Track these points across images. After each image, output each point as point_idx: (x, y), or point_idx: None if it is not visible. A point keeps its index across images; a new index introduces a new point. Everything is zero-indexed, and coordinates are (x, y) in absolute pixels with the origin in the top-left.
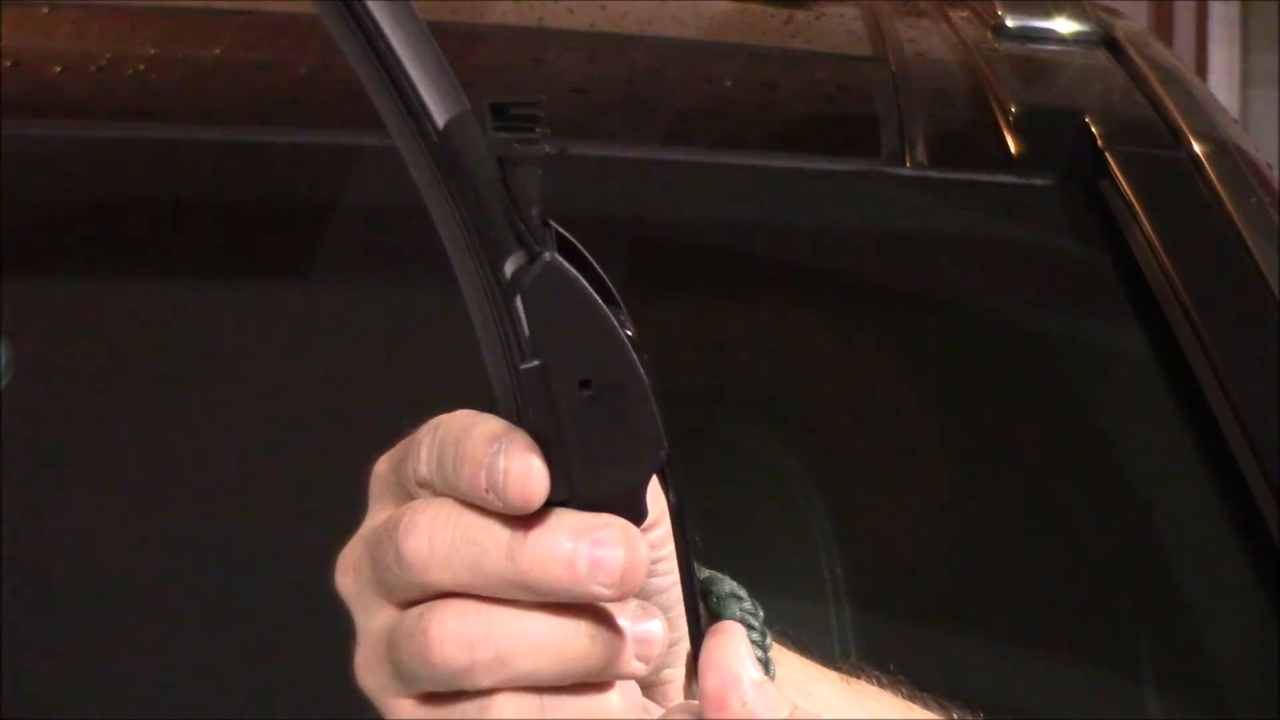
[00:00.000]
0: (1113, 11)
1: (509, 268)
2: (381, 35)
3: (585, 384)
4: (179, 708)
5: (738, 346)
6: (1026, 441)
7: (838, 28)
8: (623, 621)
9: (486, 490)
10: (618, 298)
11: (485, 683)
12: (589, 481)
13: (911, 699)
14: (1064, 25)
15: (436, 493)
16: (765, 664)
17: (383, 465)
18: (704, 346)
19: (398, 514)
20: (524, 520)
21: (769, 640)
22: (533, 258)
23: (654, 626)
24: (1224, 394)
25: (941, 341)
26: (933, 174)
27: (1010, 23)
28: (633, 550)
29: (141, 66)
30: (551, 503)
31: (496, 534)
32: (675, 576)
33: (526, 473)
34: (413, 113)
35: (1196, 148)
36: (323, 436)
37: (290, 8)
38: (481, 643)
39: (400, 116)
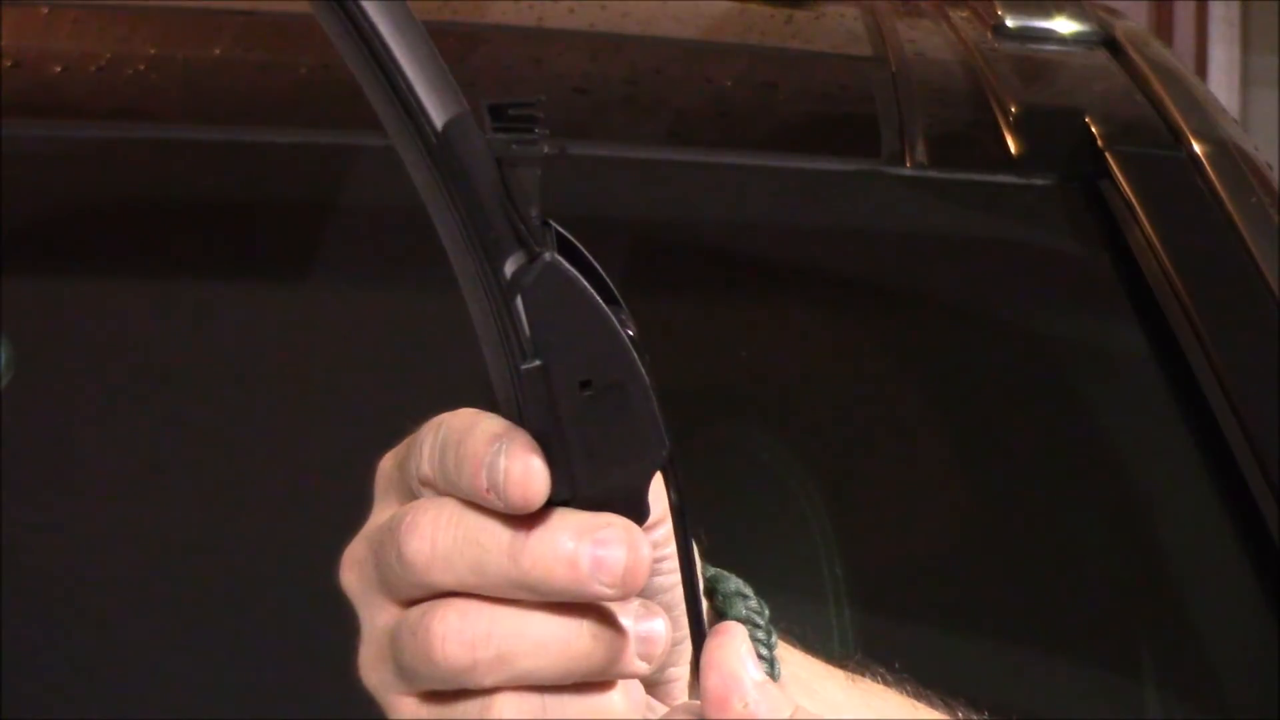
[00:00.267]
0: (1113, 11)
1: (509, 268)
2: (378, 36)
3: (586, 384)
4: (179, 708)
5: (738, 346)
6: (1026, 441)
7: (838, 28)
8: (625, 621)
9: (488, 490)
10: (619, 297)
11: (487, 682)
12: (591, 481)
13: (916, 697)
14: (1064, 25)
15: (439, 492)
16: (770, 662)
17: (387, 463)
18: (704, 346)
19: (400, 513)
20: (526, 520)
21: (774, 638)
22: (533, 258)
23: (657, 625)
24: (1224, 394)
25: (941, 341)
26: (933, 174)
27: (1010, 23)
28: (635, 549)
29: (141, 66)
30: (553, 502)
31: (498, 534)
32: (679, 575)
33: (527, 473)
34: (410, 114)
35: (1196, 148)
36: (323, 436)
37: (290, 8)
38: (484, 642)
39: (398, 118)
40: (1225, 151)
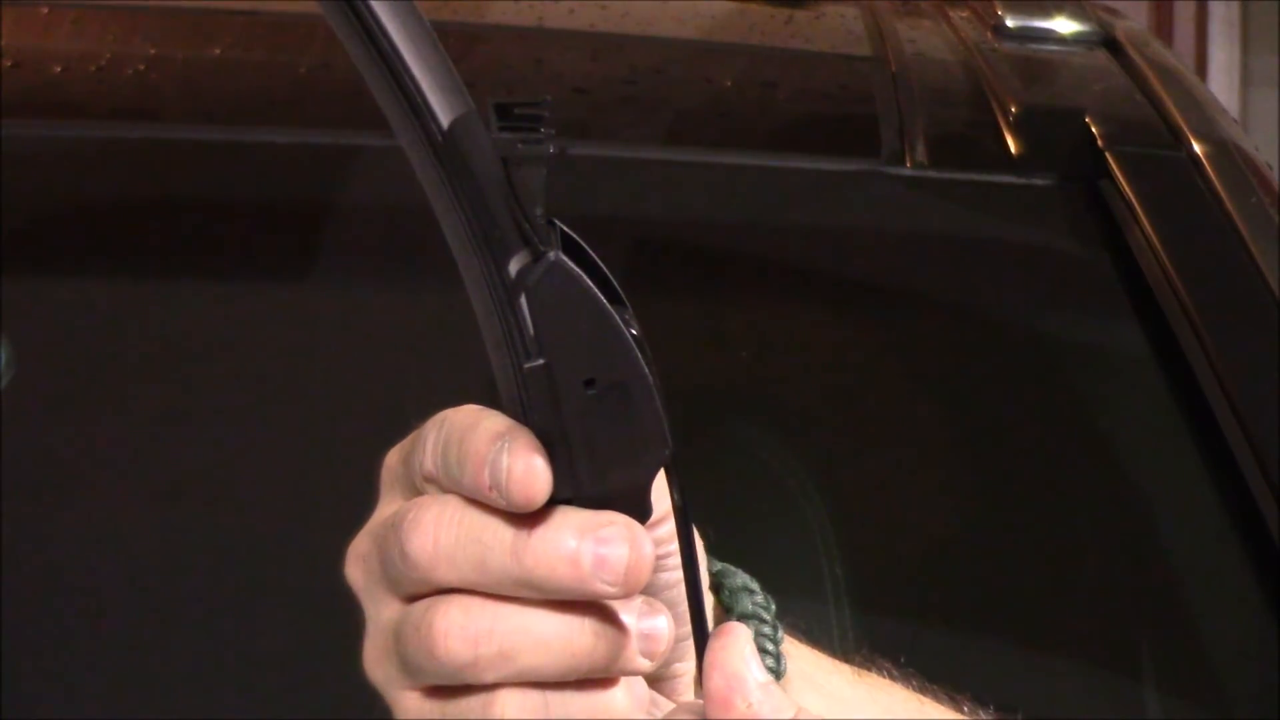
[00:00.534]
0: (1113, 11)
1: (513, 267)
2: (385, 35)
3: (590, 382)
4: (179, 708)
5: (738, 346)
6: (1026, 441)
7: (838, 28)
8: (628, 618)
9: (490, 488)
10: (623, 297)
11: (489, 678)
12: (594, 479)
13: (921, 692)
14: (1064, 25)
15: (442, 489)
16: (777, 656)
17: (392, 457)
18: (704, 346)
19: (403, 510)
20: (528, 518)
21: (780, 633)
22: (537, 257)
23: (659, 623)
24: (1224, 394)
25: (941, 341)
26: (933, 174)
27: (1010, 23)
28: (637, 547)
29: (141, 66)
30: (556, 500)
31: (501, 532)
32: (682, 573)
33: (529, 471)
34: (417, 113)
35: (1196, 148)
36: (324, 436)
37: (290, 8)
38: (486, 638)
39: (404, 117)
40: (1225, 151)
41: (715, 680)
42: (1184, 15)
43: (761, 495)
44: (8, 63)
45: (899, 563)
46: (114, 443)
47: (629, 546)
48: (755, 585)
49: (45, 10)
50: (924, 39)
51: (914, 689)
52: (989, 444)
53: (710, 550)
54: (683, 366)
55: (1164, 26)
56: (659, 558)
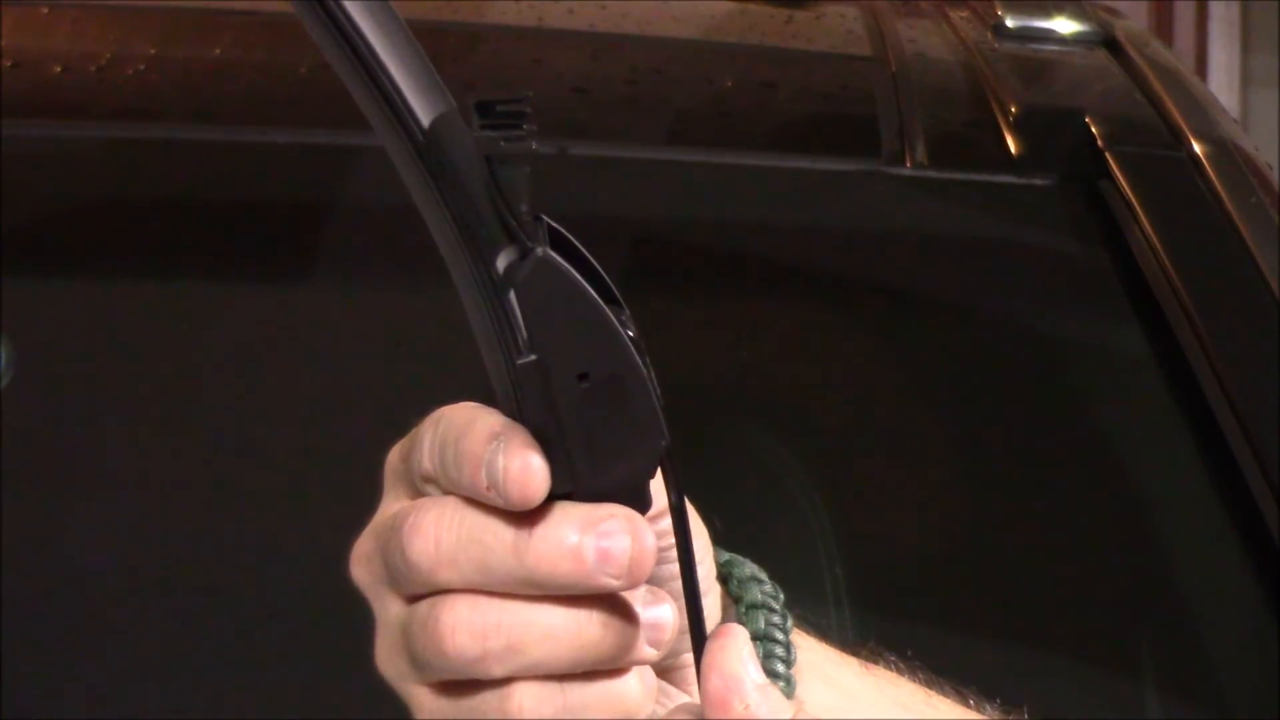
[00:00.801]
0: (1113, 11)
1: (501, 263)
2: (360, 36)
3: (583, 376)
4: (179, 708)
5: (738, 346)
6: (1027, 441)
7: (838, 28)
8: (633, 608)
9: (488, 488)
10: (619, 298)
11: (497, 671)
12: (592, 473)
13: (928, 685)
14: (1064, 25)
15: (442, 489)
16: (786, 646)
17: (394, 455)
18: (704, 346)
19: (403, 513)
20: (528, 516)
21: (789, 623)
22: (524, 253)
23: (664, 612)
24: (1224, 394)
25: (941, 341)
26: (933, 174)
27: (1010, 23)
28: (639, 539)
29: (141, 66)
30: (555, 496)
31: (501, 532)
32: None
33: (526, 470)
34: (396, 114)
35: (1196, 148)
36: (324, 436)
37: (290, 8)
38: (494, 632)
39: (384, 118)
40: (1225, 151)
41: (713, 681)
42: (1184, 15)
43: (761, 495)
44: (8, 63)
45: (899, 563)
46: (114, 443)
47: (631, 538)
48: (764, 575)
49: (45, 10)
50: (924, 39)
51: (921, 682)
52: (989, 443)
53: (715, 542)
54: (683, 366)
55: (1164, 26)
56: (661, 549)
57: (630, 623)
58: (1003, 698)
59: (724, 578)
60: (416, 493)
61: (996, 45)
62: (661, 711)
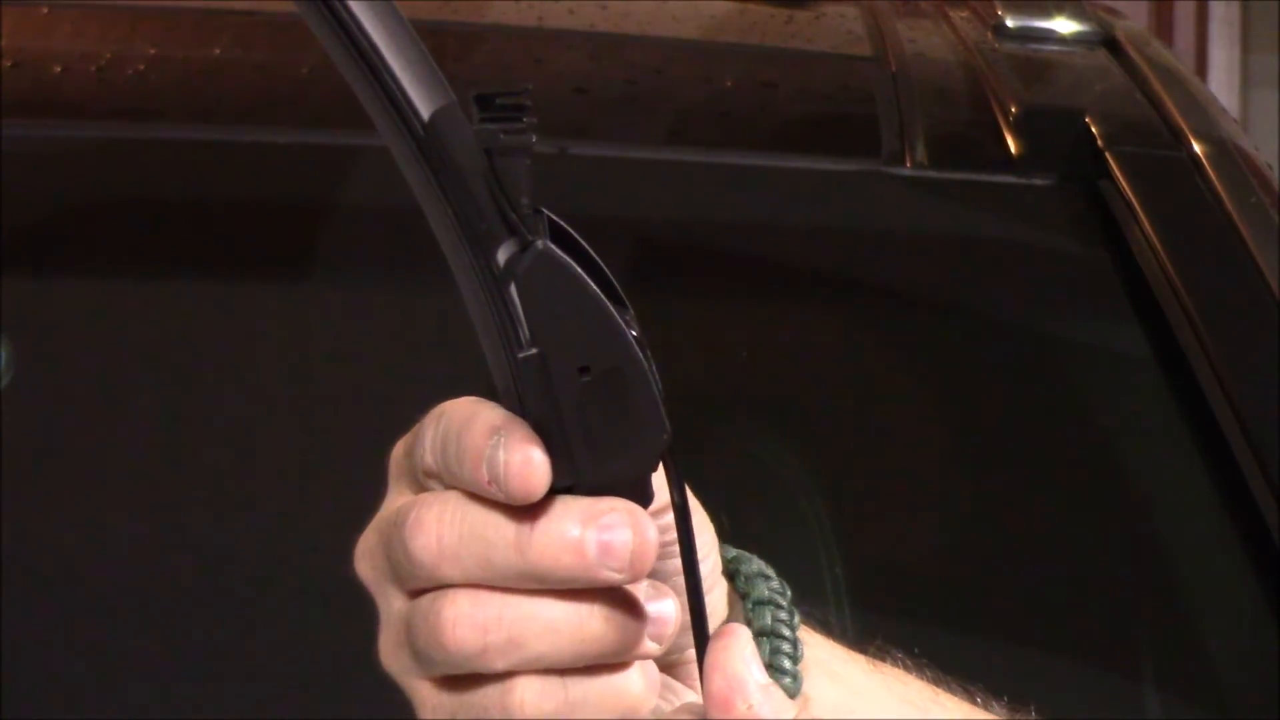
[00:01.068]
0: (1113, 11)
1: (501, 257)
2: (362, 31)
3: (584, 369)
4: (179, 708)
5: (738, 346)
6: (1026, 441)
7: (838, 28)
8: (636, 602)
9: (489, 483)
10: (624, 297)
11: (500, 665)
12: (594, 467)
13: (935, 683)
14: (1064, 25)
15: (444, 484)
16: (794, 643)
17: (398, 450)
18: (704, 346)
19: (405, 508)
20: (529, 510)
21: (797, 619)
22: (525, 246)
23: (667, 606)
24: (1224, 394)
25: (941, 341)
26: (933, 174)
27: (1010, 23)
28: (641, 532)
29: (141, 66)
30: (557, 490)
31: (503, 527)
32: None
33: (527, 464)
34: (397, 107)
35: (1196, 148)
36: (324, 436)
37: (290, 8)
38: (495, 626)
39: (385, 112)
40: (1225, 151)
41: (716, 681)
42: (1184, 15)
43: (761, 495)
44: (8, 63)
45: (899, 563)
46: (114, 443)
47: (632, 531)
48: (771, 571)
49: (45, 10)
50: (924, 39)
51: (929, 680)
52: (989, 443)
53: (721, 538)
54: (683, 366)
55: (1164, 26)
56: (664, 544)
57: (633, 617)
58: (1002, 697)
59: (731, 573)
60: (420, 488)
61: (996, 45)
62: (665, 706)
